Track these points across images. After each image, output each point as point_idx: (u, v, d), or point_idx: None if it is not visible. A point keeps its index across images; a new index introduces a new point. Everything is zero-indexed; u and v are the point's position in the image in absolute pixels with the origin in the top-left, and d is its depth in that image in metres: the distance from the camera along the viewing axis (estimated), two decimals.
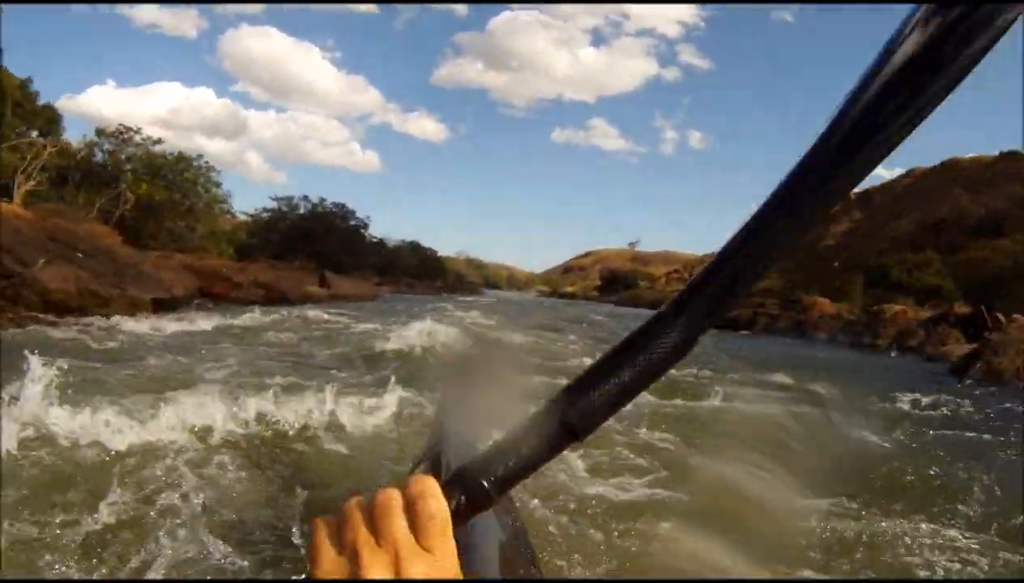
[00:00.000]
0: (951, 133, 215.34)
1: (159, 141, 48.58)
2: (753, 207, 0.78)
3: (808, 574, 4.35)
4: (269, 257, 75.57)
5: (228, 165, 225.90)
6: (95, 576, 4.12)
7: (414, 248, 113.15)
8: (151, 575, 4.13)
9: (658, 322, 0.83)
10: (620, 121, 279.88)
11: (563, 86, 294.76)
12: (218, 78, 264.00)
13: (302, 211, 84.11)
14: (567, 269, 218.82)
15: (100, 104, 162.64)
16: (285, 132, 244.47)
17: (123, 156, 46.86)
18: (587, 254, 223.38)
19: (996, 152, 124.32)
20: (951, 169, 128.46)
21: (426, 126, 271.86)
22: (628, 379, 0.82)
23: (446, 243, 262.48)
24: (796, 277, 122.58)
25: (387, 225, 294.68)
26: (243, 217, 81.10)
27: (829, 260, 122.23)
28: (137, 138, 46.95)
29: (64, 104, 72.87)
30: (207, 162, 49.89)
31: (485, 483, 0.81)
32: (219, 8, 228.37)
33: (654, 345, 0.82)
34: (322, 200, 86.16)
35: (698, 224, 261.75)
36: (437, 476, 0.80)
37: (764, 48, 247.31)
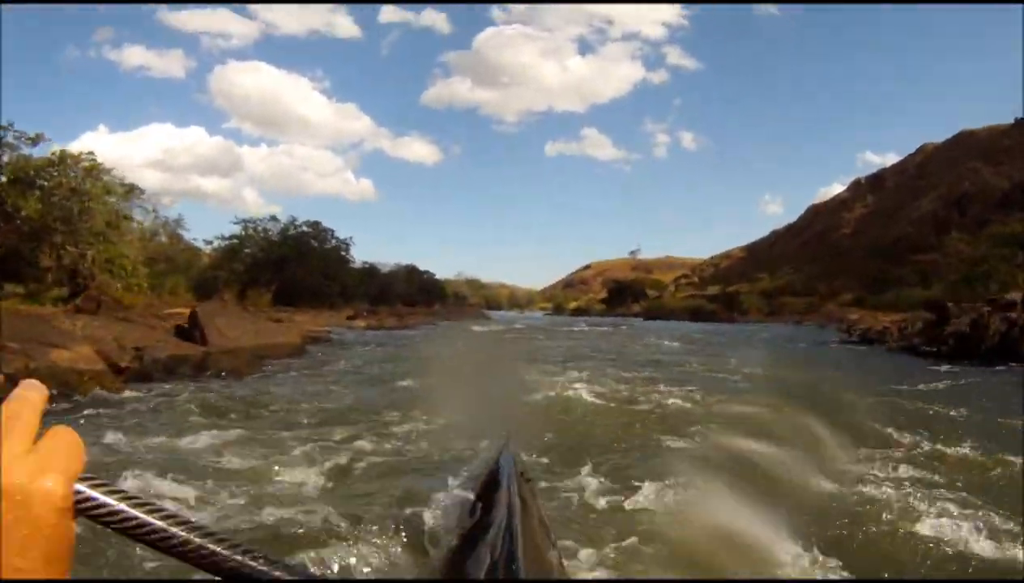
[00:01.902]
0: (958, 105, 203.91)
1: (37, 138, 33.05)
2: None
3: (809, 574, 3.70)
4: (236, 291, 62.46)
5: (226, 202, 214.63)
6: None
7: (410, 273, 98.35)
8: None
9: None
10: (612, 129, 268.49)
11: (553, 97, 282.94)
12: (209, 116, 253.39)
13: (272, 234, 68.20)
14: (568, 284, 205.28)
15: (94, 150, 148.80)
16: (279, 165, 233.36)
17: None
18: (587, 267, 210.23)
19: (1009, 120, 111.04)
20: (965, 142, 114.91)
21: (419, 149, 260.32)
22: None
23: (445, 266, 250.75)
24: (812, 269, 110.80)
25: (385, 252, 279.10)
26: (203, 246, 66.04)
27: (848, 249, 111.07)
28: (10, 137, 31.82)
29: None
30: (93, 159, 34.06)
31: None
32: (205, 45, 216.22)
33: None
34: (293, 220, 70.34)
35: (696, 227, 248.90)
36: None
37: (750, 43, 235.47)
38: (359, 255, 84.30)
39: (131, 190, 52.41)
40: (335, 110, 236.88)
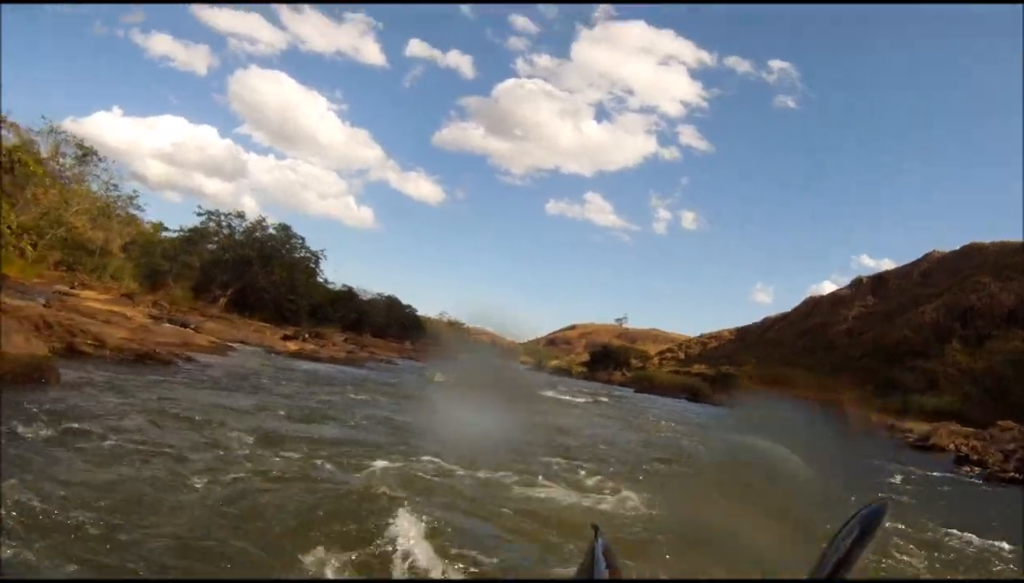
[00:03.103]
0: (962, 218, 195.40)
1: None
2: None
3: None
4: (188, 288, 52.44)
5: (224, 206, 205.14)
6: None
7: (390, 305, 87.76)
8: None
9: None
10: (615, 197, 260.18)
11: (562, 158, 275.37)
12: (223, 118, 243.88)
13: (236, 233, 57.54)
14: (551, 341, 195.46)
15: (104, 130, 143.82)
16: (284, 178, 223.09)
17: None
18: (572, 327, 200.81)
19: (1019, 237, 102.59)
20: (973, 254, 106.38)
21: (423, 187, 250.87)
22: None
23: (430, 305, 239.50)
24: (805, 361, 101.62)
25: (375, 283, 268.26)
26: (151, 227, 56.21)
27: (845, 346, 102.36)
28: None
29: (68, 126, 53.04)
30: None
31: None
32: (232, 46, 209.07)
33: None
34: (261, 220, 59.66)
35: (685, 305, 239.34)
36: None
37: (764, 133, 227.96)
38: (349, 282, 75.92)
39: (87, 154, 43.13)
40: (348, 134, 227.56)
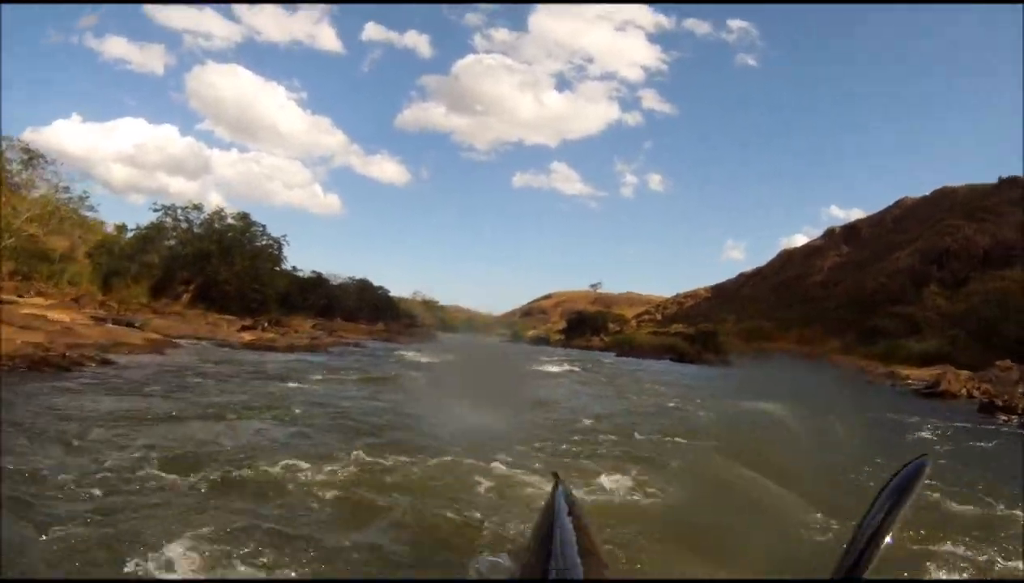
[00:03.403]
0: (930, 165, 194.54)
1: None
2: None
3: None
4: (147, 288, 50.35)
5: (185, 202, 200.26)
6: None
7: (361, 288, 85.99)
8: None
9: None
10: (581, 165, 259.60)
11: (525, 130, 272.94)
12: (183, 116, 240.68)
13: (195, 227, 55.47)
14: (527, 312, 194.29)
15: (65, 138, 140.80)
16: (248, 172, 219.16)
17: None
18: (547, 296, 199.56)
19: (985, 181, 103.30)
20: (945, 199, 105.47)
21: (388, 169, 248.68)
22: None
23: (404, 286, 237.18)
24: (784, 314, 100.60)
25: (347, 269, 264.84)
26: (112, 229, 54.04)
27: (821, 297, 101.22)
28: None
29: (28, 137, 50.88)
30: None
31: None
32: (187, 43, 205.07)
33: None
34: (219, 210, 57.59)
35: (658, 267, 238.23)
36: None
37: (725, 93, 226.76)
38: (320, 269, 74.83)
39: (32, 157, 42.07)
40: (309, 122, 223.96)
